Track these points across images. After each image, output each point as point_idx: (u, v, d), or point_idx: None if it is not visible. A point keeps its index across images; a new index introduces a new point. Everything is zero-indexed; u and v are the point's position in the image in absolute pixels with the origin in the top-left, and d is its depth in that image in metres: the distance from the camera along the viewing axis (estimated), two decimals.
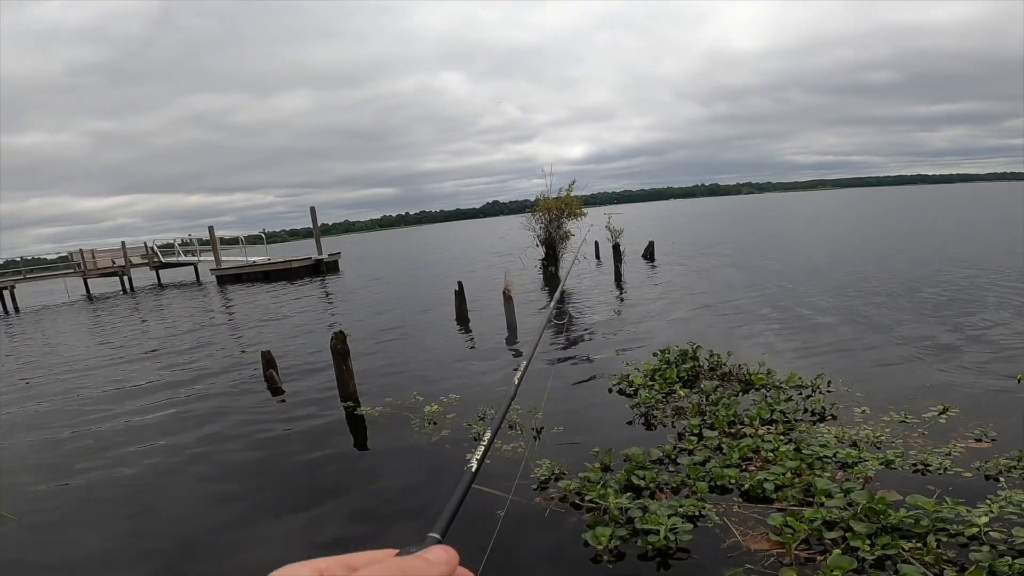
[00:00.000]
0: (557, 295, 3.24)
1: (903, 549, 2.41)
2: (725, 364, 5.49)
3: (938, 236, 17.43)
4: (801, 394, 4.68)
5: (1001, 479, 3.08)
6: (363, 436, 4.94)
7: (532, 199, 15.46)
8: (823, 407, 4.35)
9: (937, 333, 6.46)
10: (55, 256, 30.61)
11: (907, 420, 3.98)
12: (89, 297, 24.99)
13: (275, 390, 6.42)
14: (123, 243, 27.91)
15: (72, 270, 27.96)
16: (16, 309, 22.76)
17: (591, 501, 3.10)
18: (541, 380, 5.20)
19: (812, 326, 7.20)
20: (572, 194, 14.75)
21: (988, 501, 2.67)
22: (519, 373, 1.09)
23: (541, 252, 15.30)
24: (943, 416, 3.97)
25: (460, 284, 9.78)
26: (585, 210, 15.28)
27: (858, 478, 3.09)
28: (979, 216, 24.98)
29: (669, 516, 2.78)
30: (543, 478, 3.58)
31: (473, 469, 0.62)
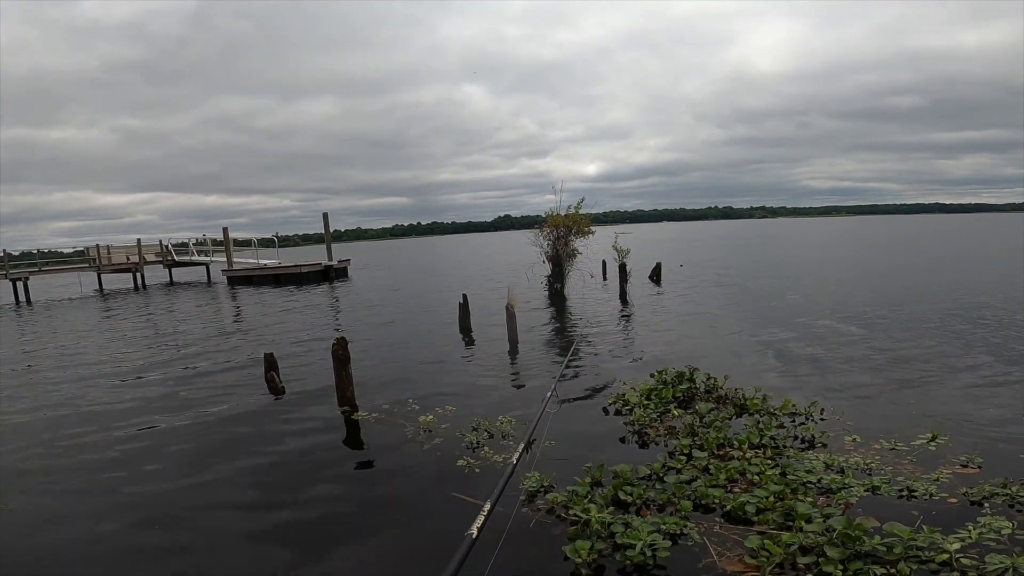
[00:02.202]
0: (568, 357, 3.34)
1: (875, 575, 2.45)
2: (721, 387, 5.53)
3: (942, 266, 17.34)
4: (794, 421, 4.71)
5: (985, 505, 3.12)
6: (356, 441, 5.03)
7: (543, 215, 15.53)
8: (813, 434, 4.39)
9: (935, 363, 6.51)
10: (71, 250, 31.07)
11: (896, 448, 4.02)
12: (101, 292, 25.37)
13: (275, 391, 6.53)
14: (138, 240, 28.38)
15: (87, 265, 28.41)
16: (28, 300, 23.14)
17: (575, 514, 3.15)
18: (538, 395, 5.27)
19: (811, 355, 7.21)
20: (581, 211, 14.82)
21: (968, 528, 2.71)
22: (517, 454, 1.16)
23: (547, 269, 15.37)
24: (932, 444, 4.02)
25: (464, 297, 9.88)
26: (593, 228, 15.33)
27: (839, 504, 3.14)
28: (983, 248, 24.80)
29: (649, 532, 2.83)
30: (532, 490, 3.64)
31: (474, 536, 0.69)
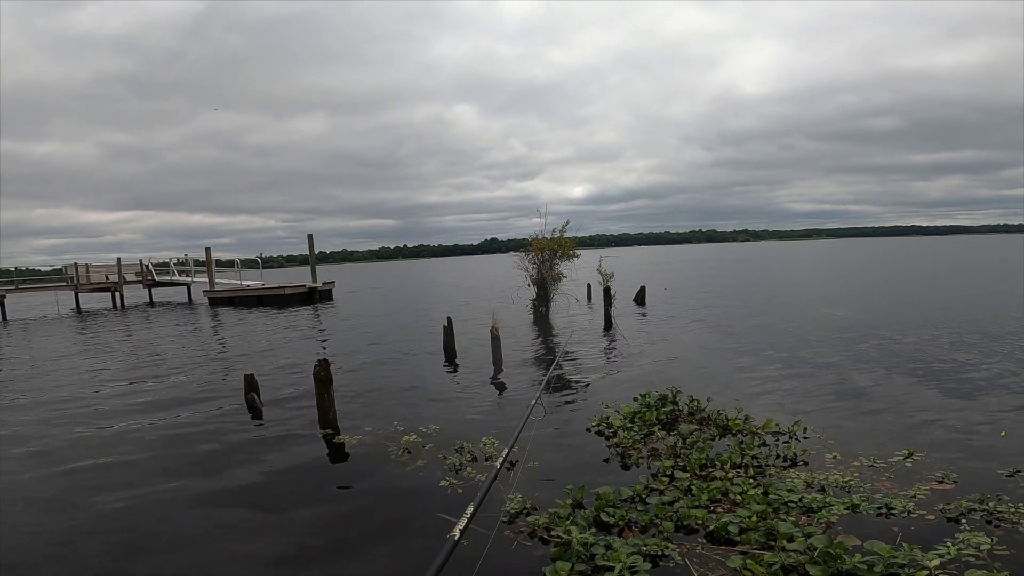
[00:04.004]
0: (551, 372, 3.39)
1: None
2: (704, 409, 5.56)
3: (919, 287, 17.73)
4: (777, 440, 4.75)
5: (963, 520, 3.17)
6: (338, 463, 4.96)
7: (528, 238, 15.63)
8: (795, 452, 4.42)
9: (913, 379, 6.71)
10: (49, 268, 30.60)
11: (875, 465, 4.08)
12: (79, 311, 24.87)
13: (256, 413, 6.43)
14: (118, 259, 27.97)
15: (65, 283, 27.91)
16: (4, 318, 22.62)
17: (557, 536, 3.13)
18: (521, 417, 5.24)
19: (794, 374, 7.29)
20: (566, 235, 14.96)
21: (947, 544, 2.75)
22: (500, 458, 1.18)
23: (533, 292, 15.42)
24: (909, 460, 4.10)
25: (449, 320, 9.86)
26: (579, 252, 15.47)
27: (820, 523, 3.15)
28: (950, 270, 25.44)
29: (629, 554, 2.81)
30: (514, 511, 3.61)
31: (456, 538, 0.70)
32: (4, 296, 23.86)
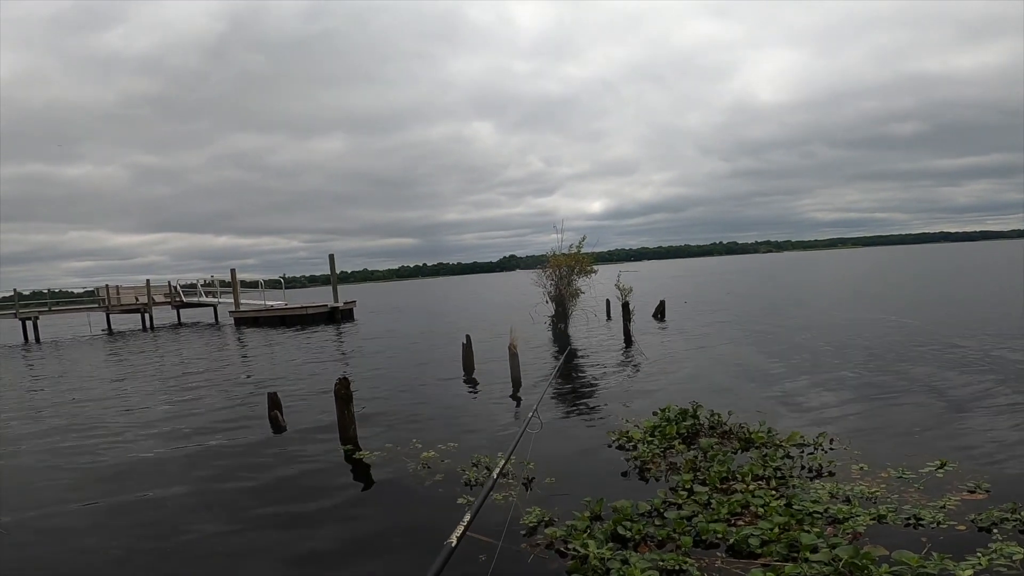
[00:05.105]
0: (561, 363, 3.40)
1: None
2: (725, 423, 5.48)
3: (947, 297, 17.25)
4: (802, 452, 4.66)
5: (995, 531, 3.07)
6: (358, 478, 5.00)
7: (546, 255, 15.65)
8: (821, 464, 4.33)
9: (943, 389, 6.54)
10: (82, 290, 31.57)
11: (904, 476, 3.98)
12: (110, 332, 25.56)
13: (279, 429, 6.53)
14: (147, 281, 28.76)
15: (96, 305, 28.74)
16: (37, 339, 23.34)
17: (574, 549, 3.11)
18: (540, 432, 5.24)
19: (818, 385, 7.16)
20: (583, 251, 14.94)
21: (978, 554, 2.66)
22: (498, 468, 1.21)
23: (551, 308, 15.39)
24: (940, 471, 3.98)
25: (468, 337, 9.92)
26: (596, 267, 15.42)
27: (847, 533, 3.08)
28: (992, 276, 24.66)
29: (644, 570, 2.78)
30: (532, 524, 3.60)
31: (452, 545, 0.72)
32: (37, 317, 24.66)
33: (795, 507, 3.45)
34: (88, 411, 8.50)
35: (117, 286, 29.12)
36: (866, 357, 8.91)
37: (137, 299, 28.84)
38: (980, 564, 2.60)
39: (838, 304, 18.95)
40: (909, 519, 3.32)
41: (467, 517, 0.71)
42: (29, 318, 24.48)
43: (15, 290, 25.92)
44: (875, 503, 3.57)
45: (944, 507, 3.42)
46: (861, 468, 4.21)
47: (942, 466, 4.04)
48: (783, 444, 4.80)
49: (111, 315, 28.34)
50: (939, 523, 3.25)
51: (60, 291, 32.02)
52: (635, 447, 5.06)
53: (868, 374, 7.76)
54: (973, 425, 5.22)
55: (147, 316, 27.57)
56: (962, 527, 3.20)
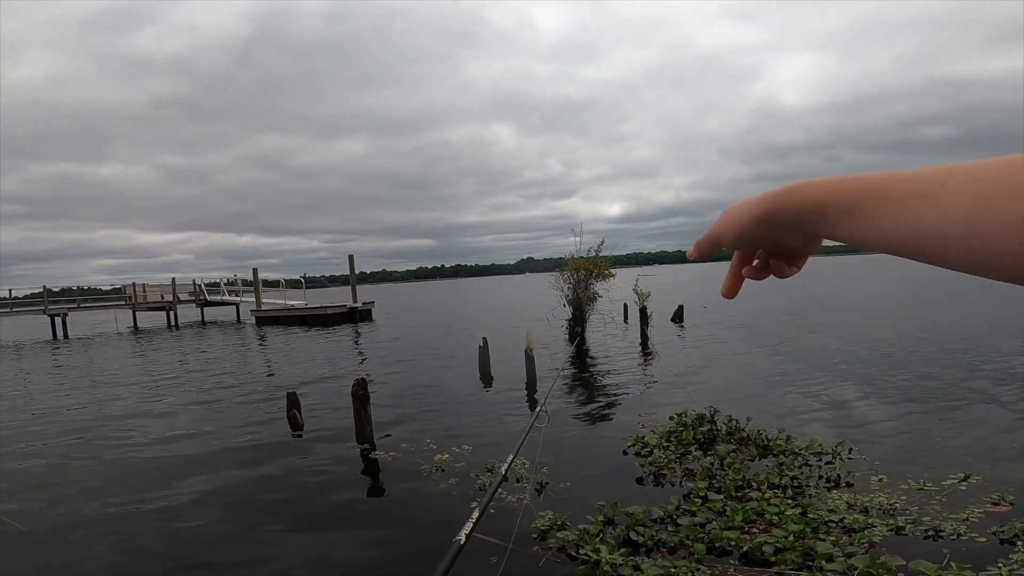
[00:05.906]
0: (571, 350, 3.40)
1: None
2: (743, 429, 5.43)
3: (968, 305, 16.80)
4: (820, 460, 4.59)
5: (1017, 543, 3.00)
6: (373, 478, 5.07)
7: (564, 257, 15.58)
8: (839, 474, 4.27)
9: (968, 398, 6.39)
10: (109, 288, 32.38)
11: (926, 488, 3.89)
12: (136, 329, 26.15)
13: (297, 428, 6.63)
14: (173, 279, 29.39)
15: (123, 302, 29.44)
16: (66, 335, 23.96)
17: (586, 554, 3.11)
18: (554, 436, 5.25)
19: (839, 394, 7.04)
20: (601, 254, 14.87)
21: (999, 564, 2.61)
22: (506, 465, 1.23)
23: (568, 312, 15.33)
24: (964, 483, 3.88)
25: (484, 340, 9.95)
26: (615, 271, 15.33)
27: (862, 543, 3.04)
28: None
29: None
30: (544, 528, 3.60)
31: (461, 542, 0.74)
32: (66, 314, 25.33)
33: (811, 516, 3.41)
34: (111, 409, 8.72)
35: (144, 284, 29.82)
36: (889, 364, 8.73)
37: (163, 297, 29.50)
38: (1001, 574, 2.54)
39: (863, 309, 18.60)
40: (928, 531, 3.25)
41: (476, 514, 0.73)
42: (58, 314, 25.16)
43: (44, 287, 26.66)
44: (894, 515, 3.50)
45: (966, 519, 3.34)
46: (880, 479, 4.13)
47: (966, 478, 3.94)
48: (801, 452, 4.74)
49: (137, 312, 29.02)
50: (960, 535, 3.18)
51: (88, 288, 32.82)
52: (651, 452, 5.03)
53: (891, 382, 7.61)
54: (1001, 436, 5.09)
55: (172, 314, 28.15)
56: (983, 539, 3.13)
